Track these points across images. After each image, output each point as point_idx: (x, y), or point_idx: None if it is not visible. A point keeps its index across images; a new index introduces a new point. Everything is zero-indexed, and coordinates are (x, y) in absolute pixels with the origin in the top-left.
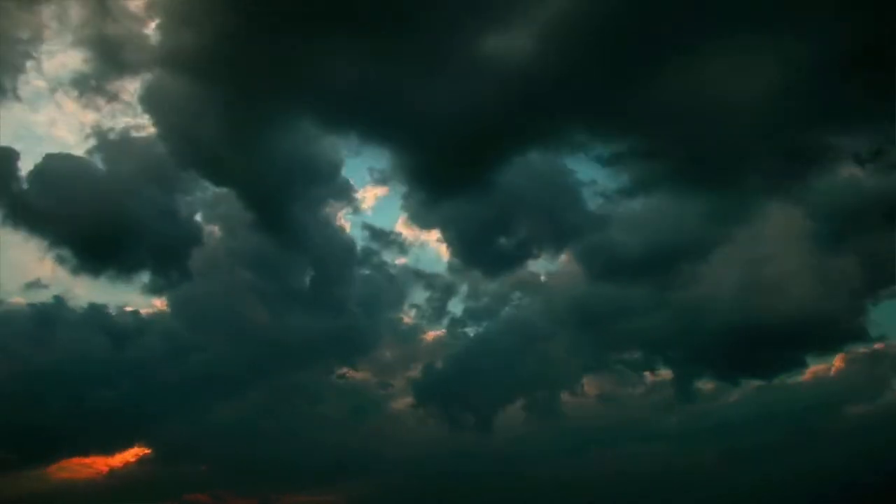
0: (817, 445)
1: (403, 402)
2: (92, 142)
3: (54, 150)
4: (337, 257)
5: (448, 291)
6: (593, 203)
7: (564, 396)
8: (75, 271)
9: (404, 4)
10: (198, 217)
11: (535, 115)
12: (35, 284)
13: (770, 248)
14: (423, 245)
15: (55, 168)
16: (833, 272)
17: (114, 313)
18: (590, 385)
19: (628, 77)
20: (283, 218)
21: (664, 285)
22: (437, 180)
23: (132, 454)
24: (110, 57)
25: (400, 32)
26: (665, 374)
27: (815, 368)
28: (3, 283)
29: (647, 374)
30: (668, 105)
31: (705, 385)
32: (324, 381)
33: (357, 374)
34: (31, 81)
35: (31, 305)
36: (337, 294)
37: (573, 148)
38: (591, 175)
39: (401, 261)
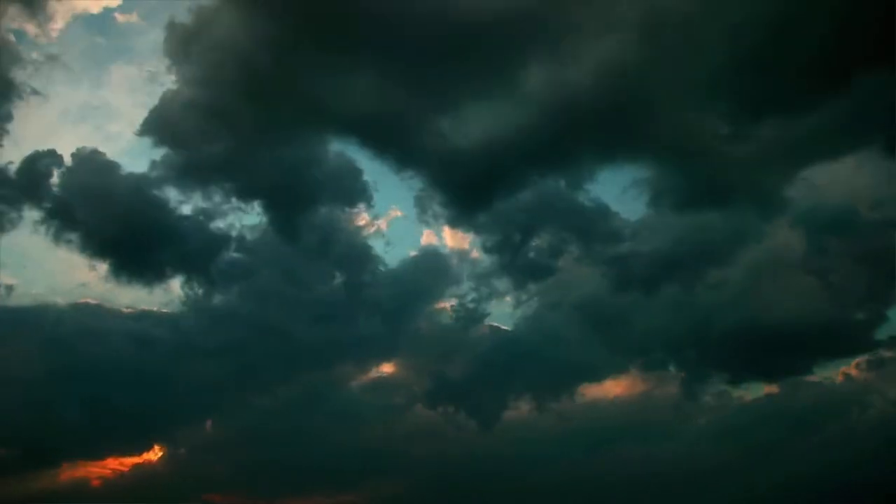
0: (832, 446)
1: (424, 403)
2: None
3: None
4: (363, 266)
5: (476, 298)
6: (615, 219)
7: (582, 398)
8: (107, 276)
9: (449, 39)
10: (224, 225)
11: (566, 139)
12: (78, 287)
13: (785, 258)
14: (454, 254)
15: (84, 173)
16: (847, 280)
17: (138, 316)
18: (606, 386)
19: (649, 110)
20: (308, 228)
21: (679, 292)
22: (471, 195)
23: (148, 455)
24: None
25: (438, 63)
26: (680, 375)
27: (832, 371)
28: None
29: (661, 374)
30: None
31: (719, 386)
32: (345, 384)
33: (379, 375)
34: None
35: (56, 307)
36: (361, 299)
37: (596, 170)
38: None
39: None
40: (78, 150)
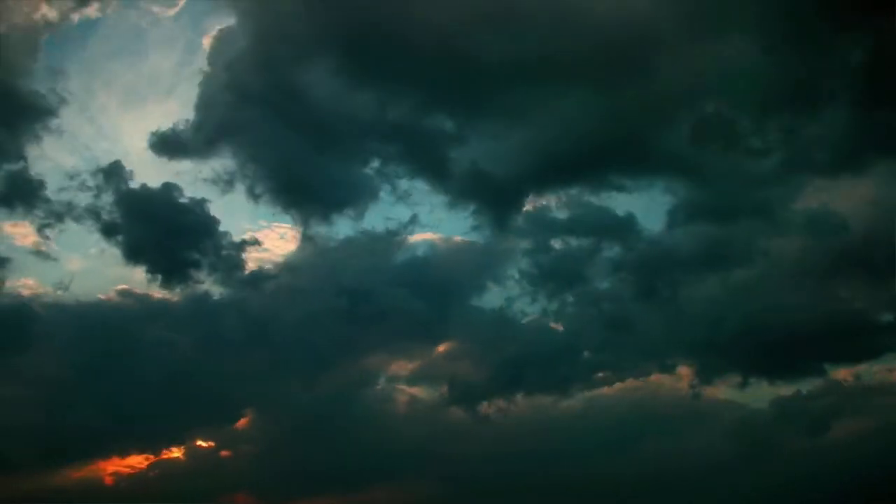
0: (844, 447)
1: (453, 403)
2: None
3: None
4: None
5: (509, 298)
6: (641, 229)
7: (599, 399)
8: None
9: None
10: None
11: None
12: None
13: (798, 263)
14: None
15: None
16: (856, 285)
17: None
18: (625, 385)
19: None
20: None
21: (698, 296)
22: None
23: (167, 455)
24: None
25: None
26: (695, 375)
27: (846, 374)
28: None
29: (677, 374)
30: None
31: (733, 386)
32: (374, 382)
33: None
34: None
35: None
36: (390, 299)
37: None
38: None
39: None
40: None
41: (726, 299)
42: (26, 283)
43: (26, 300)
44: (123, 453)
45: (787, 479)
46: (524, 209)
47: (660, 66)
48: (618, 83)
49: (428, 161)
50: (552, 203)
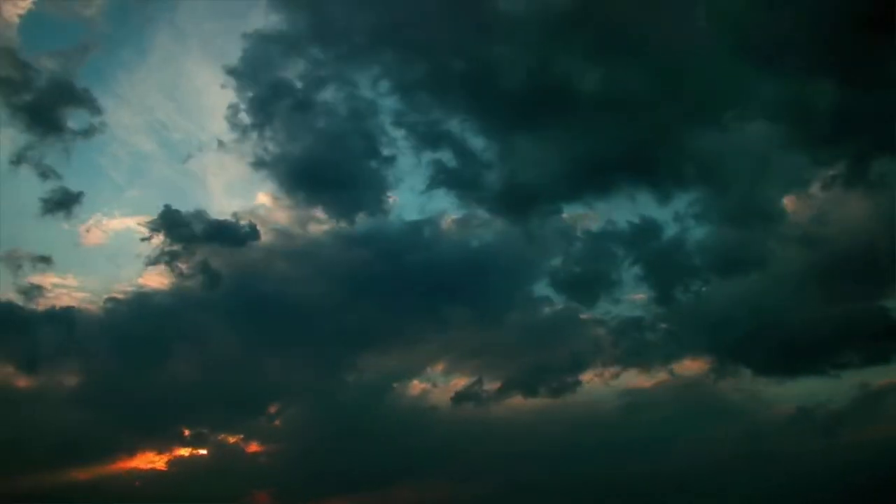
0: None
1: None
2: None
3: None
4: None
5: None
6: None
7: (626, 396)
8: None
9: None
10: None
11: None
12: None
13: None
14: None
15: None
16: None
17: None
18: (641, 383)
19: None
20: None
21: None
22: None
23: (191, 451)
24: None
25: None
26: (711, 373)
27: (858, 374)
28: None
29: (688, 375)
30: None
31: (747, 385)
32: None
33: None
34: None
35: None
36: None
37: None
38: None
39: None
40: None
41: (743, 301)
42: (62, 280)
43: (56, 294)
44: (144, 450)
45: (796, 480)
46: (553, 217)
47: (687, 83)
48: (648, 99)
49: (463, 169)
50: (581, 212)
